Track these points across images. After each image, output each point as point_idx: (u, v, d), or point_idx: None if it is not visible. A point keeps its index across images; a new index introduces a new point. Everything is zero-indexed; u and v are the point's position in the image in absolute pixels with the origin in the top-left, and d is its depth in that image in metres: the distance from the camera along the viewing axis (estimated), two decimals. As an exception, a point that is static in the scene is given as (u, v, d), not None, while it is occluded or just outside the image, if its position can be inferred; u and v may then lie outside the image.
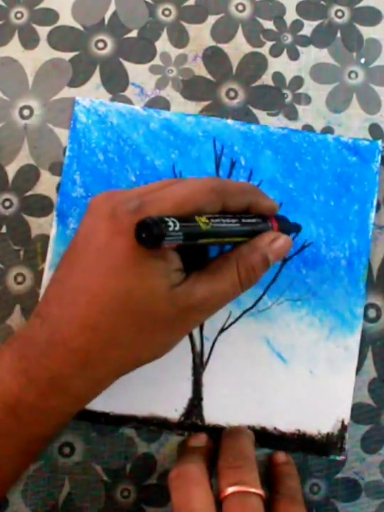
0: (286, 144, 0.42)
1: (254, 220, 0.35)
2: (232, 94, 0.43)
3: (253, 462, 0.36)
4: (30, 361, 0.32)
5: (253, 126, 0.42)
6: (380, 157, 0.42)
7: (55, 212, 0.41)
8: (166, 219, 0.29)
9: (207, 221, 0.32)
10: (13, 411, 0.32)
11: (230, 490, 0.33)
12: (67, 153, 0.41)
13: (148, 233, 0.29)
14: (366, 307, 0.42)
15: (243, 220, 0.35)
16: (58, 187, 0.42)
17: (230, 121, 0.42)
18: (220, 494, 0.33)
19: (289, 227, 0.38)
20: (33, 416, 0.32)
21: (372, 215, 0.42)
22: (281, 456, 0.40)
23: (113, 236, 0.31)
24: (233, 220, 0.34)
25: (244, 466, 0.35)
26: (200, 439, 0.39)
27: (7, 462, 0.34)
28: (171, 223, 0.29)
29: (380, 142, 0.42)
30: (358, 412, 0.41)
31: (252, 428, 0.40)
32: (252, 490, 0.33)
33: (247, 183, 0.38)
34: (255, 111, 0.43)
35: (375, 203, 0.42)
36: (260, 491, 0.34)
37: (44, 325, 0.32)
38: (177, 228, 0.29)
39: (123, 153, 0.42)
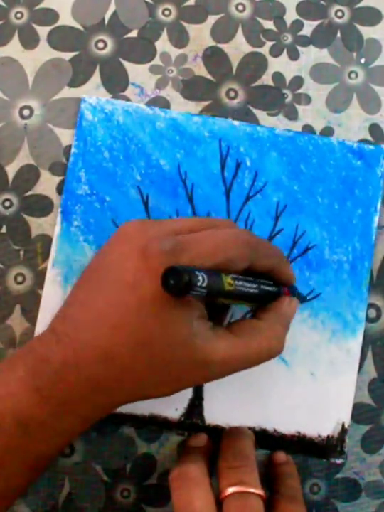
0: (292, 146, 0.42)
1: (271, 288, 0.35)
2: (232, 94, 0.43)
3: (253, 462, 0.36)
4: (43, 380, 0.31)
5: (259, 128, 0.42)
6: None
7: (59, 210, 0.41)
8: (197, 272, 0.29)
9: (231, 282, 0.31)
10: (25, 427, 0.31)
11: (230, 490, 0.33)
12: (73, 150, 0.41)
13: (176, 282, 0.28)
14: (366, 307, 0.42)
15: (262, 287, 0.34)
16: (58, 187, 0.42)
17: (235, 123, 0.42)
18: (220, 494, 0.33)
19: (300, 298, 0.38)
20: (43, 434, 0.32)
21: (376, 219, 0.42)
22: (281, 456, 0.40)
23: (142, 274, 0.31)
24: (254, 285, 0.33)
25: (245, 466, 0.35)
26: (201, 439, 0.39)
27: (14, 477, 0.33)
28: (200, 278, 0.29)
29: None
30: (358, 412, 0.41)
31: (252, 429, 0.40)
32: (252, 490, 0.33)
33: (276, 246, 0.37)
34: (255, 111, 0.43)
35: (379, 207, 0.42)
36: (260, 491, 0.34)
37: (59, 344, 0.32)
38: (204, 284, 0.29)
39: (128, 151, 0.42)
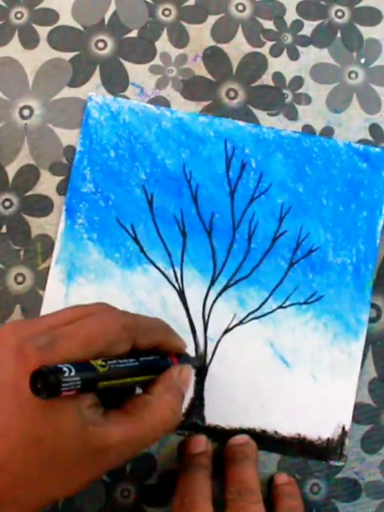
0: (297, 148, 0.42)
1: (152, 357, 0.34)
2: (232, 94, 0.43)
3: (258, 494, 0.37)
4: None
5: (265, 129, 0.42)
6: None
7: (63, 207, 0.41)
8: (61, 366, 0.28)
9: (104, 363, 0.30)
10: None
11: None
12: (78, 148, 0.42)
13: (44, 385, 0.28)
14: (369, 310, 0.42)
15: (142, 359, 0.33)
16: (58, 187, 0.42)
17: (241, 123, 0.42)
18: None
19: (191, 362, 0.37)
20: None
21: (381, 222, 0.42)
22: (282, 477, 0.40)
23: (20, 374, 0.29)
24: (131, 360, 0.32)
25: (249, 498, 0.36)
26: (200, 444, 0.39)
27: None
28: (65, 369, 0.28)
29: None
30: (358, 412, 0.41)
31: (252, 430, 0.40)
32: None
33: (157, 319, 0.36)
34: (255, 111, 0.43)
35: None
36: None
37: None
38: (76, 377, 0.28)
39: (134, 150, 0.42)
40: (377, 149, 0.42)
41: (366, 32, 0.44)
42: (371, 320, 0.42)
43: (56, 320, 0.32)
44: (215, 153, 0.42)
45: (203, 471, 0.37)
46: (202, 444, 0.39)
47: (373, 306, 0.42)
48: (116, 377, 0.31)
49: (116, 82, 0.43)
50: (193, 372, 0.36)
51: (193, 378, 0.36)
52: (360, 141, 0.43)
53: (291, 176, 0.42)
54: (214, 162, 0.42)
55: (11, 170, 0.42)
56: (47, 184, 0.42)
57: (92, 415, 0.30)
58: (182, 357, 0.36)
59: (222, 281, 0.41)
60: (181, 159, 0.42)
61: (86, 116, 0.42)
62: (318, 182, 0.42)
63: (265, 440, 0.40)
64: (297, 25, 0.44)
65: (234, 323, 0.41)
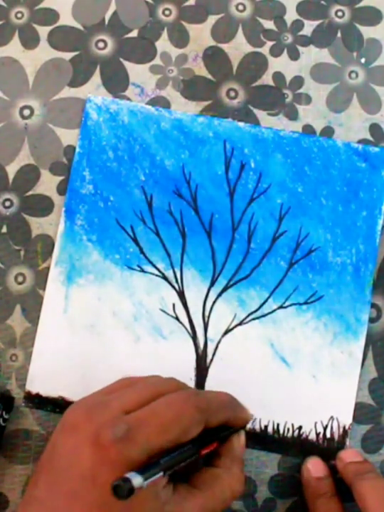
0: (297, 148, 0.42)
1: (210, 448, 0.34)
2: (232, 94, 0.43)
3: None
4: None
5: (264, 129, 0.42)
6: None
7: (63, 209, 0.41)
8: (131, 475, 0.28)
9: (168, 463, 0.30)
10: None
11: None
12: (77, 150, 0.42)
13: (121, 494, 0.27)
14: (369, 310, 0.42)
15: (202, 450, 0.33)
16: (59, 187, 0.42)
17: (240, 124, 0.42)
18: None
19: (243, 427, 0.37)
20: None
21: (380, 221, 0.42)
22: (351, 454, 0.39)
23: (99, 466, 0.30)
24: (191, 450, 0.32)
25: None
26: (320, 467, 0.39)
27: None
28: (138, 479, 0.28)
29: None
30: (359, 412, 0.41)
31: (253, 431, 0.40)
32: None
33: (226, 394, 0.36)
34: (256, 111, 0.43)
35: (383, 210, 0.42)
36: None
37: None
38: (144, 483, 0.28)
39: (133, 151, 0.42)
40: (377, 149, 0.42)
41: (366, 32, 0.44)
42: (371, 320, 0.42)
43: (128, 402, 0.32)
44: (214, 153, 0.42)
45: (334, 500, 0.37)
46: (321, 467, 0.39)
47: (373, 306, 0.42)
48: (177, 464, 0.31)
49: (116, 82, 0.43)
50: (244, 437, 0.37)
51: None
52: (361, 141, 0.43)
53: (290, 176, 0.42)
54: (213, 163, 0.42)
55: (12, 170, 0.42)
56: (47, 184, 0.42)
57: (166, 495, 0.31)
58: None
59: (222, 282, 0.41)
60: (180, 160, 0.42)
61: (85, 118, 0.42)
62: (317, 182, 0.42)
63: (266, 440, 0.40)
64: (297, 25, 0.44)
65: (234, 324, 0.41)
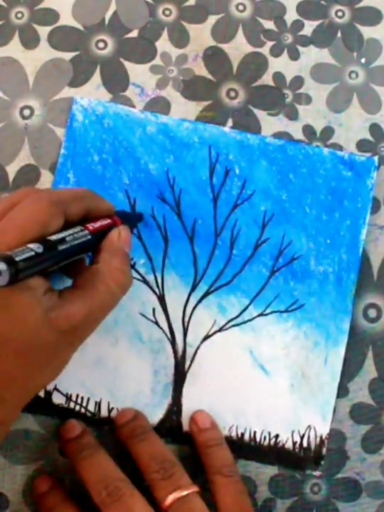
0: (282, 155, 0.42)
1: (98, 224, 0.34)
2: (232, 94, 0.43)
3: (178, 463, 0.37)
4: None
5: (249, 136, 0.42)
6: (375, 173, 0.42)
7: None
8: (14, 251, 0.28)
9: (49, 240, 0.31)
10: None
11: (171, 498, 0.35)
12: (62, 151, 0.41)
13: (8, 266, 0.28)
14: (366, 307, 0.42)
15: (86, 225, 0.34)
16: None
17: (226, 129, 0.42)
18: (161, 505, 0.35)
19: (132, 221, 0.38)
20: None
21: (364, 231, 0.41)
22: (202, 418, 0.40)
23: None
24: (78, 229, 0.33)
25: (175, 472, 0.36)
26: (75, 427, 0.38)
27: None
28: (20, 252, 0.28)
29: (375, 159, 0.42)
30: (359, 412, 0.41)
31: (229, 438, 0.40)
32: (191, 490, 0.35)
33: (82, 188, 0.36)
34: (256, 111, 0.43)
35: (367, 219, 0.42)
36: (195, 488, 0.36)
37: None
38: (39, 251, 0.29)
39: (118, 154, 0.42)
40: (363, 158, 0.42)
41: (366, 32, 0.44)
42: (371, 320, 0.42)
43: None
44: (199, 159, 0.42)
45: (101, 453, 0.37)
46: (75, 426, 0.39)
47: (374, 306, 0.42)
48: (71, 251, 0.32)
49: (116, 82, 0.43)
50: (129, 232, 0.36)
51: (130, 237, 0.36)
52: (361, 141, 0.43)
53: (274, 183, 0.42)
54: (198, 168, 0.42)
55: (12, 170, 0.42)
56: (47, 184, 0.42)
57: (50, 301, 0.31)
58: (119, 216, 0.36)
59: (203, 288, 0.41)
60: (165, 164, 0.42)
61: (70, 120, 0.42)
62: (301, 190, 0.42)
63: (242, 448, 0.40)
64: (297, 25, 0.44)
65: (214, 330, 0.41)
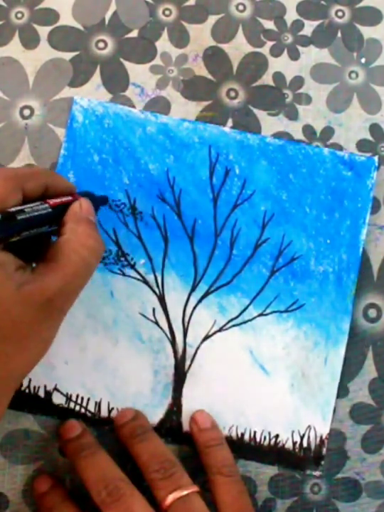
0: (282, 155, 0.42)
1: (59, 200, 0.35)
2: (232, 94, 0.43)
3: (178, 463, 0.37)
4: None
5: (249, 135, 0.42)
6: (375, 173, 0.42)
7: None
8: None
9: (10, 210, 0.31)
10: None
11: (171, 498, 0.35)
12: (62, 151, 0.41)
13: None
14: (366, 307, 0.42)
15: (47, 200, 0.34)
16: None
17: (226, 129, 0.42)
18: (161, 504, 0.35)
19: (96, 202, 0.38)
20: None
21: (364, 231, 0.41)
22: (203, 417, 0.40)
23: None
24: (38, 203, 0.33)
25: (175, 472, 0.36)
26: (75, 427, 0.38)
27: None
28: None
29: (376, 159, 0.42)
30: (359, 412, 0.41)
31: (229, 437, 0.40)
32: (190, 490, 0.35)
33: (38, 166, 0.36)
34: (256, 111, 0.43)
35: (367, 219, 0.42)
36: (195, 488, 0.36)
37: None
38: None
39: (118, 155, 0.42)
40: (363, 158, 0.42)
41: (366, 32, 0.44)
42: (371, 320, 0.42)
43: None
44: (199, 159, 0.42)
45: (101, 453, 0.37)
46: (75, 426, 0.38)
47: (374, 306, 0.42)
48: (32, 222, 0.32)
49: (116, 82, 0.43)
50: (90, 204, 0.36)
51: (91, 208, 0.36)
52: (361, 141, 0.43)
53: (274, 183, 0.42)
54: (198, 168, 0.42)
55: (12, 170, 0.42)
56: (47, 184, 0.42)
57: (23, 276, 0.30)
58: (87, 198, 0.36)
59: (203, 288, 0.41)
60: (165, 164, 0.42)
61: (70, 120, 0.42)
62: (302, 190, 0.42)
63: (243, 448, 0.40)
64: (297, 25, 0.44)
65: (214, 330, 0.41)
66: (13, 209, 0.31)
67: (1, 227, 0.30)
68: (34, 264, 0.32)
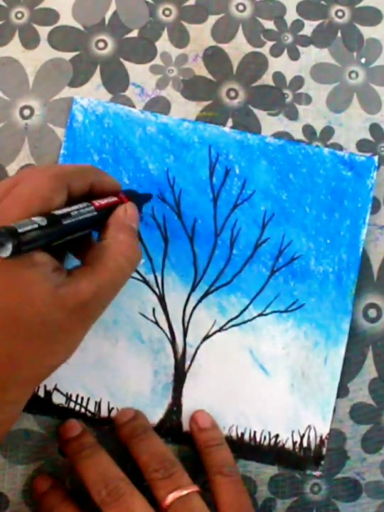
0: (282, 155, 0.42)
1: (105, 201, 0.34)
2: (232, 94, 0.43)
3: (178, 463, 0.37)
4: None
5: (249, 135, 0.42)
6: (375, 173, 0.42)
7: None
8: (17, 224, 0.28)
9: (55, 214, 0.31)
10: None
11: (171, 498, 0.35)
12: (62, 151, 0.41)
13: (11, 236, 0.27)
14: (366, 307, 0.42)
15: (93, 201, 0.34)
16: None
17: (226, 129, 0.42)
18: (161, 504, 0.35)
19: (140, 200, 0.38)
20: None
21: (364, 231, 0.41)
22: (203, 417, 0.40)
23: None
24: (84, 205, 0.33)
25: (175, 472, 0.36)
26: (75, 427, 0.38)
27: None
28: (29, 226, 0.28)
29: (376, 159, 0.42)
30: (359, 412, 0.41)
31: (229, 437, 0.40)
32: (190, 490, 0.35)
33: (84, 164, 0.35)
34: (256, 111, 0.43)
35: (367, 219, 0.42)
36: (195, 487, 0.36)
37: None
38: (43, 223, 0.29)
39: (118, 154, 0.42)
40: (363, 158, 0.42)
41: (366, 32, 0.44)
42: (371, 320, 0.42)
43: None
44: (199, 159, 0.42)
45: (101, 453, 0.37)
46: (75, 426, 0.39)
47: (374, 306, 0.42)
48: (76, 226, 0.32)
49: (116, 82, 0.43)
50: (136, 209, 0.35)
51: (137, 214, 0.35)
52: (361, 141, 0.43)
53: (274, 183, 0.42)
54: (198, 168, 0.42)
55: (11, 170, 0.42)
56: (47, 184, 0.42)
57: (59, 278, 0.30)
58: (125, 194, 0.36)
59: (203, 288, 0.41)
60: (165, 164, 0.42)
61: (70, 120, 0.42)
62: (301, 190, 0.42)
63: (242, 448, 0.40)
64: (297, 25, 0.44)
65: (214, 330, 0.41)
66: (58, 212, 0.31)
67: (46, 232, 0.29)
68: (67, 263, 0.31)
